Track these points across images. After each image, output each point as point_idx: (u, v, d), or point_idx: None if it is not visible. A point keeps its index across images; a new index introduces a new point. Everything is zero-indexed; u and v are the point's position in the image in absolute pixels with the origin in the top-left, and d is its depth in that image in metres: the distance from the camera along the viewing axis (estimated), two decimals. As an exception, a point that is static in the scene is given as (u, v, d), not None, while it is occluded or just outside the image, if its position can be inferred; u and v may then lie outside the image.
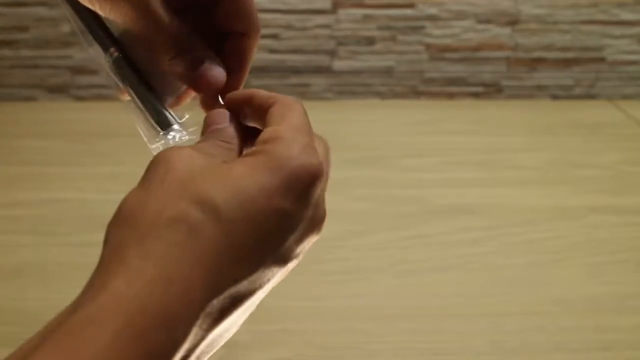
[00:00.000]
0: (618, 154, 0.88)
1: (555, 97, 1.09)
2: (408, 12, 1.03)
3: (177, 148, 0.30)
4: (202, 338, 0.27)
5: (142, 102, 0.36)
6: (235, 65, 0.37)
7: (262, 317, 0.56)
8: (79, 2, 0.35)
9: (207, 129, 0.34)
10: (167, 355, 0.25)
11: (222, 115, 0.34)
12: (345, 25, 1.04)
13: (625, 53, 1.07)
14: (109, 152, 0.86)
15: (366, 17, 1.03)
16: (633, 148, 0.90)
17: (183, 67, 0.35)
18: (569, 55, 1.07)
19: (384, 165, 0.84)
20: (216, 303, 0.27)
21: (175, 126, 0.35)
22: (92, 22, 0.36)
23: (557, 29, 1.05)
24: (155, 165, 0.29)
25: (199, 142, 0.33)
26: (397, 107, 1.04)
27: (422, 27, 1.04)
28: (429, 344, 0.55)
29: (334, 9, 1.03)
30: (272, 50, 1.04)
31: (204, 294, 0.27)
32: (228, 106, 0.34)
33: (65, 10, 0.36)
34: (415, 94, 1.07)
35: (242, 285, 0.28)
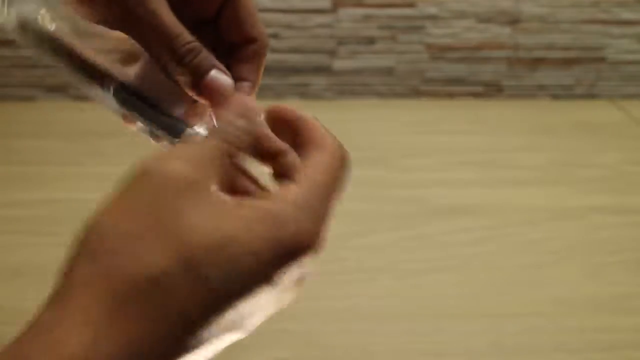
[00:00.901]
0: (618, 154, 0.88)
1: (555, 96, 1.09)
2: (408, 11, 1.03)
3: (166, 161, 0.27)
4: None
5: (154, 124, 0.34)
6: (247, 75, 0.36)
7: (262, 317, 0.57)
8: (61, 47, 0.33)
9: (228, 119, 0.31)
10: None
11: (251, 112, 0.31)
12: (345, 25, 1.04)
13: (626, 52, 1.07)
14: (109, 152, 0.86)
15: (366, 17, 1.03)
16: (633, 148, 0.90)
17: (190, 75, 0.34)
18: (570, 54, 1.07)
19: (384, 165, 0.84)
20: None
21: (190, 130, 0.34)
22: (77, 62, 0.33)
23: (558, 28, 1.05)
24: (139, 182, 0.27)
25: (206, 140, 0.30)
26: (397, 107, 1.03)
27: (422, 27, 1.04)
28: (429, 344, 0.55)
29: (334, 9, 1.03)
30: (272, 50, 1.04)
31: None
32: (271, 115, 0.32)
33: (50, 60, 0.34)
34: (416, 93, 1.07)
35: (204, 352, 0.27)
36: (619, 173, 0.83)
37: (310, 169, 0.29)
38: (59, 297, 0.25)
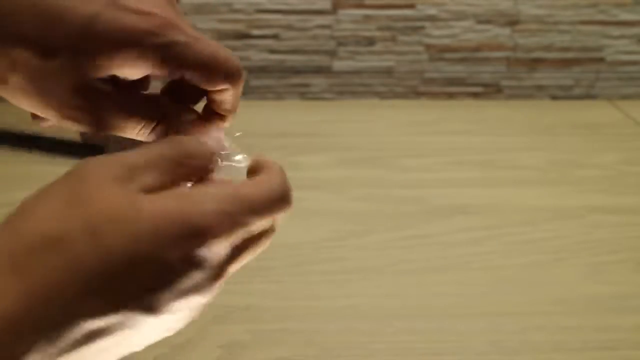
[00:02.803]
0: (618, 154, 0.88)
1: (554, 97, 1.09)
2: (408, 12, 1.04)
3: (99, 160, 0.29)
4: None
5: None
6: (223, 108, 0.36)
7: (262, 317, 0.57)
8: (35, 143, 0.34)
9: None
10: None
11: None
12: (345, 26, 1.04)
13: (625, 53, 1.07)
14: (109, 152, 0.86)
15: (366, 18, 1.04)
16: (633, 148, 0.90)
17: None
18: (569, 55, 1.07)
19: (384, 165, 0.84)
20: (59, 335, 0.26)
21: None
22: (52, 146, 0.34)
23: (557, 29, 1.05)
24: (70, 174, 0.29)
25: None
26: (397, 107, 1.04)
27: (422, 28, 1.04)
28: (429, 344, 0.55)
29: (334, 10, 1.03)
30: (272, 51, 1.04)
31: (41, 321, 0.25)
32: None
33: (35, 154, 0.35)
34: (415, 94, 1.07)
35: (97, 322, 0.27)
36: (618, 173, 0.83)
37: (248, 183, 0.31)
38: None
